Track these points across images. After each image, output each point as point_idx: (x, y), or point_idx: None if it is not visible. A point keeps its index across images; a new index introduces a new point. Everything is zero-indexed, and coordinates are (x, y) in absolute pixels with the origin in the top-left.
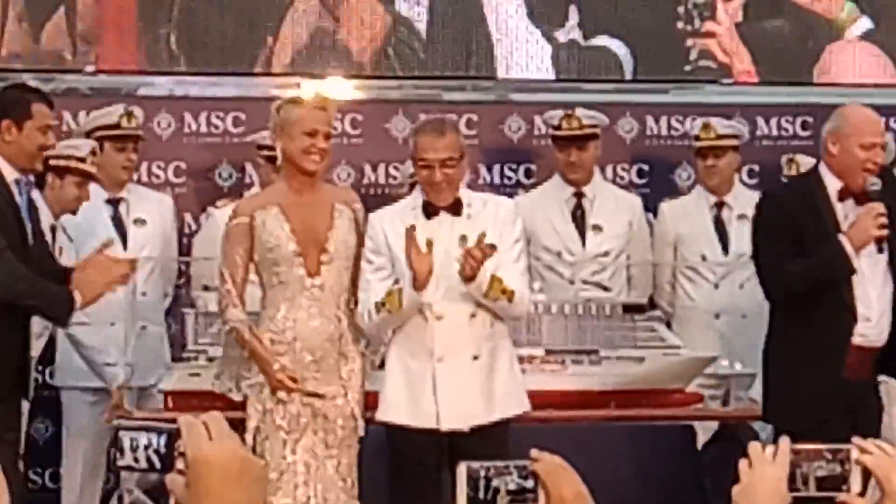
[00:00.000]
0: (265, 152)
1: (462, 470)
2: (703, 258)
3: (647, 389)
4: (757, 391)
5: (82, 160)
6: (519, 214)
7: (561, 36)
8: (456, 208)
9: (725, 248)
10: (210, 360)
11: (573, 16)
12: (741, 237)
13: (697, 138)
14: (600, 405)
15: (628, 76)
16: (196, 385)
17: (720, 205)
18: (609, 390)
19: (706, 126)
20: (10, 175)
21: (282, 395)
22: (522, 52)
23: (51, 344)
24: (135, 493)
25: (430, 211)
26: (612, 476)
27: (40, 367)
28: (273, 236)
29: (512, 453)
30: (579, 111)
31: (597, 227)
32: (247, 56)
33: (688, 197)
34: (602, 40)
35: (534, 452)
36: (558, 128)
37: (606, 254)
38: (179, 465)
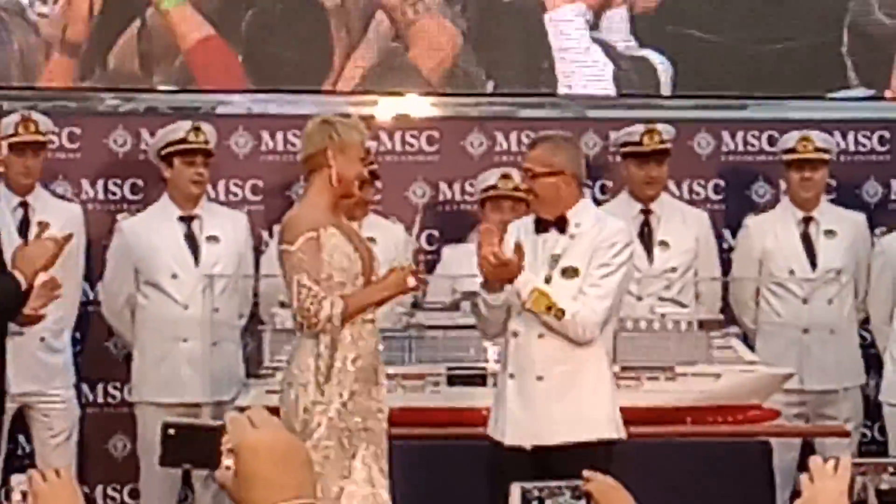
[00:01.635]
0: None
1: (516, 490)
2: (791, 273)
3: (722, 405)
4: (838, 408)
5: (184, 140)
6: (631, 242)
7: (623, 49)
8: (562, 225)
9: (813, 264)
10: None
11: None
12: (829, 253)
13: (793, 150)
14: (676, 421)
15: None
16: (273, 402)
17: (807, 220)
18: (685, 406)
19: (805, 138)
20: None
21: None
22: (585, 69)
23: (127, 360)
24: None
25: (539, 226)
26: (687, 492)
27: (116, 385)
28: (344, 256)
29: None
30: (660, 126)
31: (664, 244)
32: (314, 78)
33: (774, 211)
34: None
35: (586, 473)
36: (639, 143)
37: (674, 269)
38: (227, 461)
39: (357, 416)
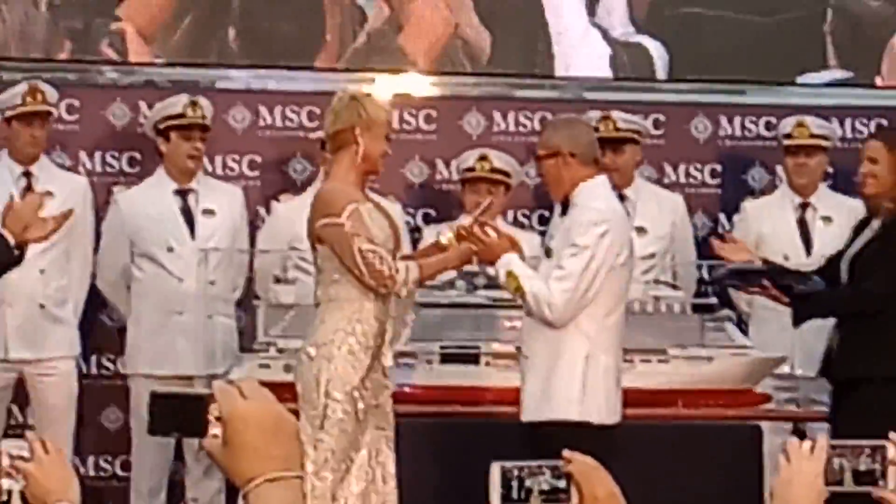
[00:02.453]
0: None
1: (495, 469)
2: (786, 258)
3: (714, 389)
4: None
5: (181, 115)
6: (603, 223)
7: (619, 34)
8: (565, 207)
9: (808, 250)
10: (280, 351)
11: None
12: (825, 239)
13: (789, 136)
14: (668, 404)
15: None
16: (266, 376)
17: (804, 206)
18: (676, 389)
19: (801, 124)
20: None
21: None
22: (584, 51)
23: (121, 332)
24: None
25: (564, 208)
26: (677, 474)
27: (110, 357)
28: (382, 231)
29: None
30: (615, 114)
31: (640, 229)
32: (308, 54)
33: (771, 196)
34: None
35: (566, 453)
36: (597, 130)
37: (653, 255)
38: (215, 430)
39: (369, 393)
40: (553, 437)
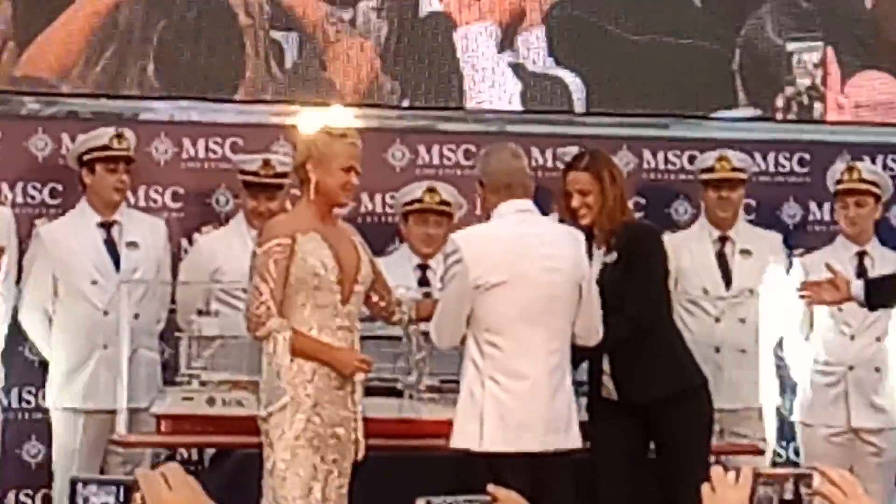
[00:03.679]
0: (243, 177)
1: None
2: (705, 291)
3: None
4: (751, 427)
5: (107, 147)
6: (454, 252)
7: (537, 68)
8: None
9: (728, 283)
10: (203, 384)
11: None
12: (743, 272)
13: (710, 170)
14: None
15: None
16: (189, 409)
17: (723, 239)
18: None
19: (722, 158)
20: None
21: (309, 415)
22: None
23: (42, 365)
24: None
25: None
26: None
27: (31, 390)
28: (319, 262)
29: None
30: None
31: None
32: (226, 88)
33: (690, 230)
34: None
35: (490, 488)
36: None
37: None
38: None
39: (328, 425)
40: (459, 467)
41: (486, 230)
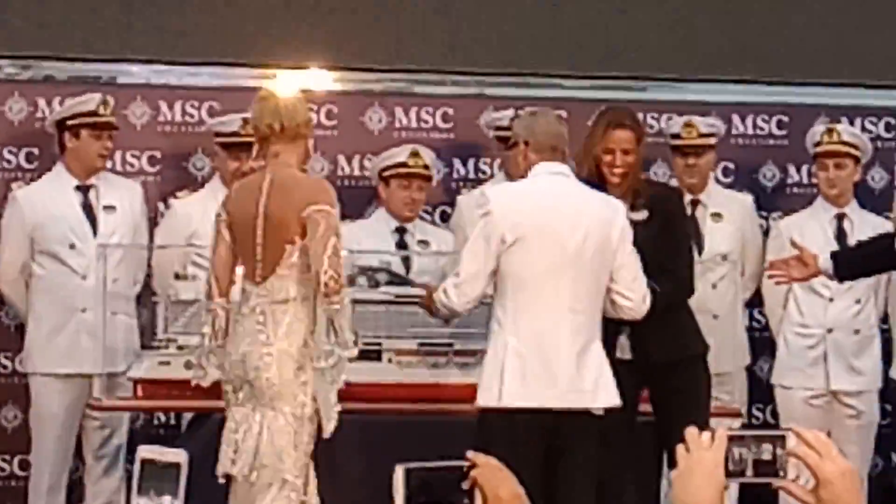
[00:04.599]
0: (222, 139)
1: (399, 472)
2: None
3: None
4: (728, 390)
5: (94, 113)
6: (485, 204)
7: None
8: None
9: (700, 247)
10: (180, 348)
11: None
12: (715, 236)
13: (678, 136)
14: None
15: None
16: (166, 373)
17: (695, 203)
18: None
19: (688, 125)
20: None
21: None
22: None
23: (17, 329)
24: None
25: None
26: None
27: (7, 355)
28: None
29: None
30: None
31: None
32: (216, 48)
33: None
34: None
35: (469, 454)
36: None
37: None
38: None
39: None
40: (477, 423)
41: (520, 187)
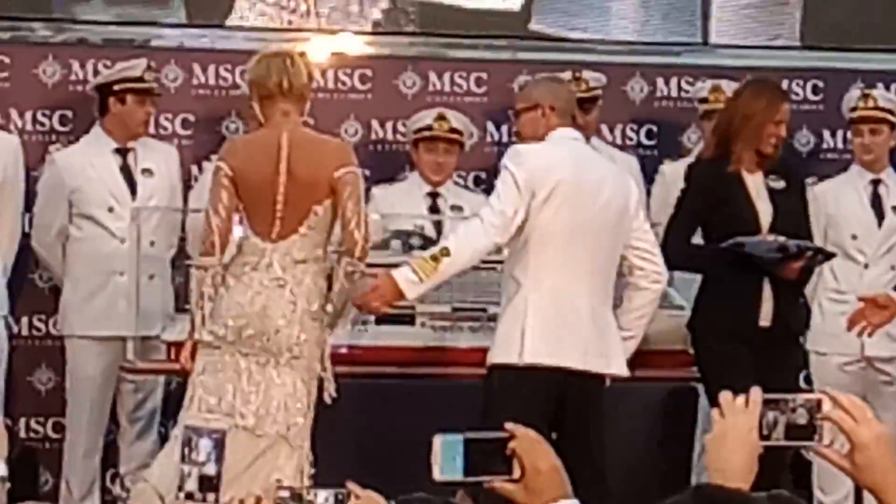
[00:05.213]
0: None
1: (437, 442)
2: None
3: (651, 350)
4: None
5: (140, 79)
6: (516, 156)
7: None
8: None
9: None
10: None
11: None
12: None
13: (705, 101)
14: None
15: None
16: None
17: None
18: None
19: (716, 88)
20: None
21: None
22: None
23: (53, 292)
24: None
25: None
26: (612, 436)
27: (42, 317)
28: None
29: None
30: (586, 73)
31: None
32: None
33: (687, 160)
34: None
35: (508, 426)
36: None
37: None
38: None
39: None
40: (486, 381)
41: (547, 147)
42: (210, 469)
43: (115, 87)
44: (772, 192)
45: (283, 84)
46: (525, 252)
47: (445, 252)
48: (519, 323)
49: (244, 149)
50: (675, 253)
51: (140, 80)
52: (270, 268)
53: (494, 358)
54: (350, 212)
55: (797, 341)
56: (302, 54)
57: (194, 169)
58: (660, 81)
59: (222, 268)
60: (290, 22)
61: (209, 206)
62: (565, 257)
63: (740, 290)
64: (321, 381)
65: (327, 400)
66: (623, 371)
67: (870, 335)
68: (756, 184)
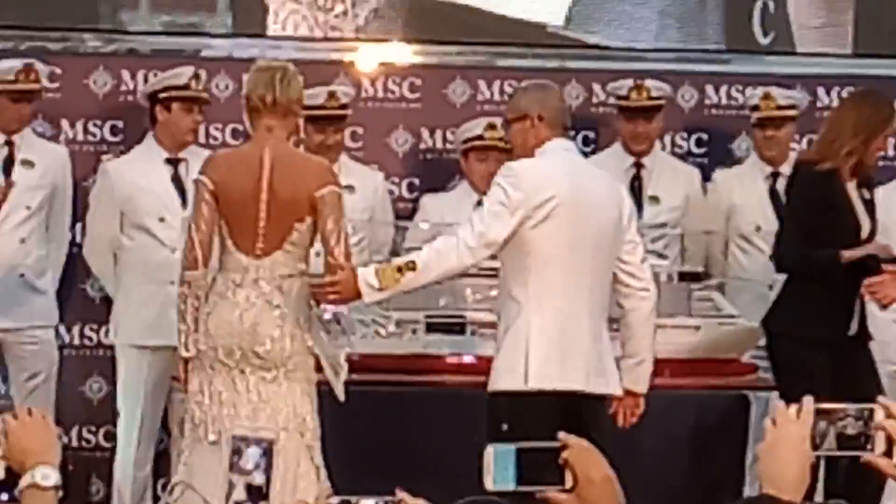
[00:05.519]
0: (308, 112)
1: (489, 452)
2: (758, 228)
3: (702, 358)
4: None
5: (186, 87)
6: (510, 174)
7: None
8: None
9: (780, 219)
10: None
11: None
12: None
13: (756, 108)
14: (655, 373)
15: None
16: None
17: (775, 175)
18: (664, 359)
19: (767, 96)
20: None
21: None
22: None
23: (104, 302)
24: None
25: None
26: (664, 445)
27: (93, 327)
28: None
29: None
30: (648, 82)
31: (654, 199)
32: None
33: (742, 166)
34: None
35: (561, 436)
36: (626, 98)
37: (663, 225)
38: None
39: None
40: (491, 407)
41: (540, 164)
42: (258, 478)
43: (161, 95)
44: (864, 202)
45: (266, 99)
46: (525, 272)
47: (412, 266)
48: (522, 347)
49: (226, 163)
50: (793, 260)
51: (185, 87)
52: (257, 284)
53: (498, 384)
54: (329, 230)
55: (869, 348)
56: (296, 70)
57: None
58: (709, 89)
59: (205, 283)
60: (325, 22)
61: (191, 221)
62: (567, 277)
63: (838, 298)
64: (319, 386)
65: (340, 397)
66: (619, 390)
67: (885, 307)
68: (854, 193)
